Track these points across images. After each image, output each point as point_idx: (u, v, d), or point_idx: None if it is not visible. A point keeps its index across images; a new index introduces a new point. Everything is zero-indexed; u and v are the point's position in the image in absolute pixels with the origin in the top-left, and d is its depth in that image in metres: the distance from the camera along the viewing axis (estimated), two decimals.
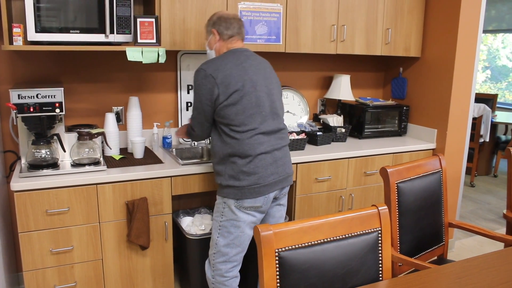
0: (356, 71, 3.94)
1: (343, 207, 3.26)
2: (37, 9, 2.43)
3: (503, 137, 6.26)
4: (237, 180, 2.32)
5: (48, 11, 2.46)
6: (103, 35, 2.59)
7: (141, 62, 3.04)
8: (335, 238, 1.63)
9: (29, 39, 2.46)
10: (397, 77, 3.90)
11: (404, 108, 3.73)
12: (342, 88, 3.60)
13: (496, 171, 6.31)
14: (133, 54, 2.58)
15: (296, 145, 3.14)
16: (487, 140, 5.66)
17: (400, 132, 3.79)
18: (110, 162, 2.72)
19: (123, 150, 3.03)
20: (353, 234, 1.67)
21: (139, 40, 2.66)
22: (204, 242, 2.73)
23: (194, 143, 3.24)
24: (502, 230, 4.36)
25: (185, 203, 3.30)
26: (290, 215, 3.12)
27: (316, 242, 1.59)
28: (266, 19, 2.98)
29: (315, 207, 3.17)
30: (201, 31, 2.85)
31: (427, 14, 3.59)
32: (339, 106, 3.77)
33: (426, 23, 3.60)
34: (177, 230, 2.88)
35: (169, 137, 3.14)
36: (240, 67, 2.33)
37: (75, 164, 2.61)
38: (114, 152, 2.88)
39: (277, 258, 1.51)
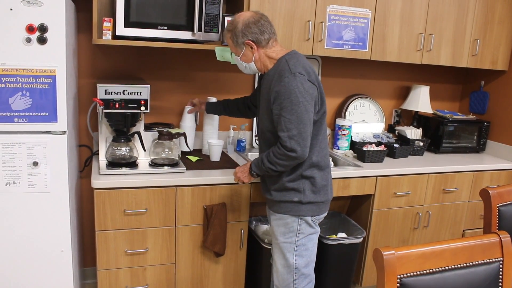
0: (432, 82, 3.74)
1: (419, 224, 3.09)
2: (128, 3, 2.38)
3: None
4: (317, 195, 2.17)
5: (138, 6, 2.40)
6: (190, 32, 2.52)
7: (220, 61, 2.95)
8: (456, 266, 1.49)
9: (117, 33, 2.41)
10: (477, 91, 3.68)
11: (485, 123, 3.52)
12: (421, 100, 3.43)
13: None
14: (222, 54, 2.49)
15: (375, 157, 2.99)
16: None
17: (478, 148, 3.57)
18: (188, 164, 2.63)
19: (197, 151, 2.94)
20: (474, 263, 1.52)
21: None
22: None
23: None
24: None
25: (257, 210, 3.16)
26: (365, 229, 2.96)
27: (437, 269, 1.45)
28: (353, 24, 2.84)
29: (391, 222, 3.00)
30: (287, 34, 2.73)
31: None
32: (415, 118, 3.59)
33: None
34: (250, 238, 2.76)
35: (243, 140, 3.04)
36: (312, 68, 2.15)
37: (153, 164, 2.54)
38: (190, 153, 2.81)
39: (398, 284, 1.38)
